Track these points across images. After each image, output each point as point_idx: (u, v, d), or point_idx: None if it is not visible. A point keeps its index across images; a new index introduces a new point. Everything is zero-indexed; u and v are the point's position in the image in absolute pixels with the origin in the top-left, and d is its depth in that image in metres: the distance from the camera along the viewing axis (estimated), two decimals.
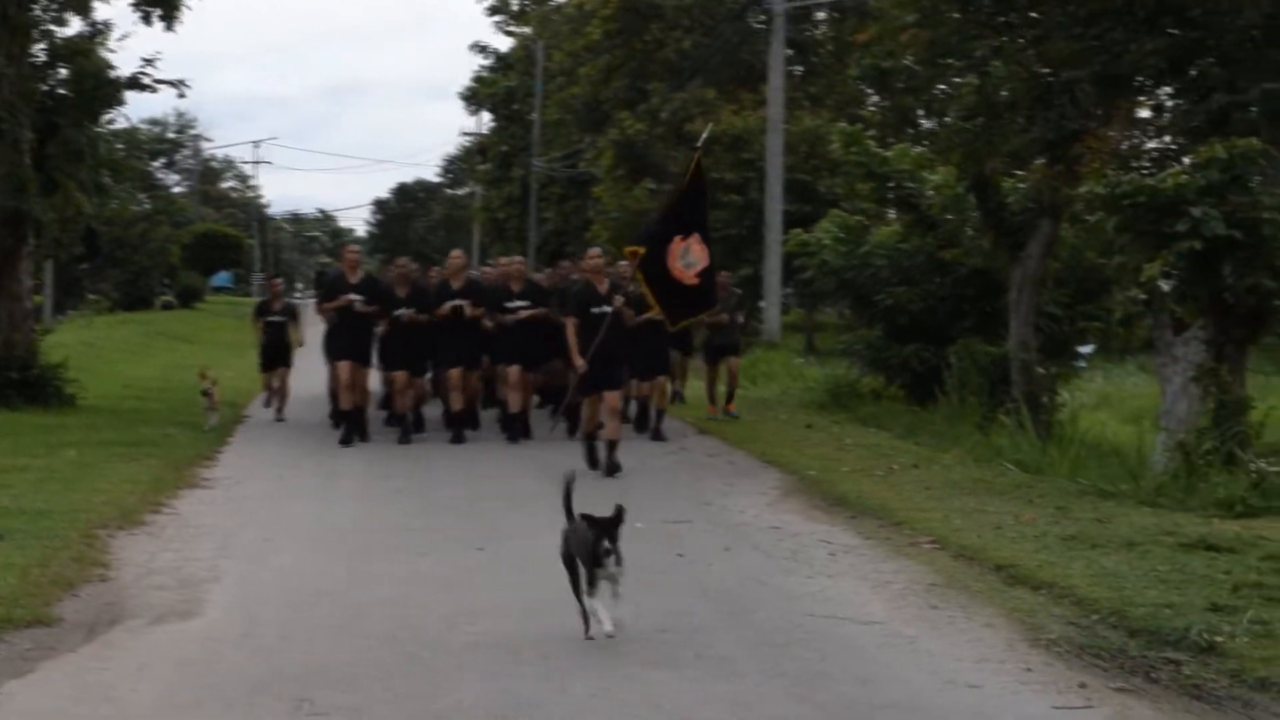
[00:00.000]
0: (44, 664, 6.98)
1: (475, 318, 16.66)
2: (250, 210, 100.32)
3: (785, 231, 27.27)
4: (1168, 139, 18.60)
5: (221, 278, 79.66)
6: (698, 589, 8.92)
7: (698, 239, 14.75)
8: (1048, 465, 14.39)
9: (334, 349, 17.02)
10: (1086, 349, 24.37)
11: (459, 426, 16.94)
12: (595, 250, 15.34)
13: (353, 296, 16.43)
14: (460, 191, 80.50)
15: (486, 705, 6.40)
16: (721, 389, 20.01)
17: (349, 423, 16.73)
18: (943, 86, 35.54)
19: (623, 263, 15.34)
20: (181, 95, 22.56)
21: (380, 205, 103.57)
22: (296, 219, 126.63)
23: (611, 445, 14.06)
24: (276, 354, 19.62)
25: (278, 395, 19.67)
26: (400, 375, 16.96)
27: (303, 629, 7.78)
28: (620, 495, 11.74)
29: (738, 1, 33.67)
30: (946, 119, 36.67)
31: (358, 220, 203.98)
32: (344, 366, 16.67)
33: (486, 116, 61.49)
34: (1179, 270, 13.35)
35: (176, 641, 7.54)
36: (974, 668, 7.13)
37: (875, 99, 36.97)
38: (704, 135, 17.27)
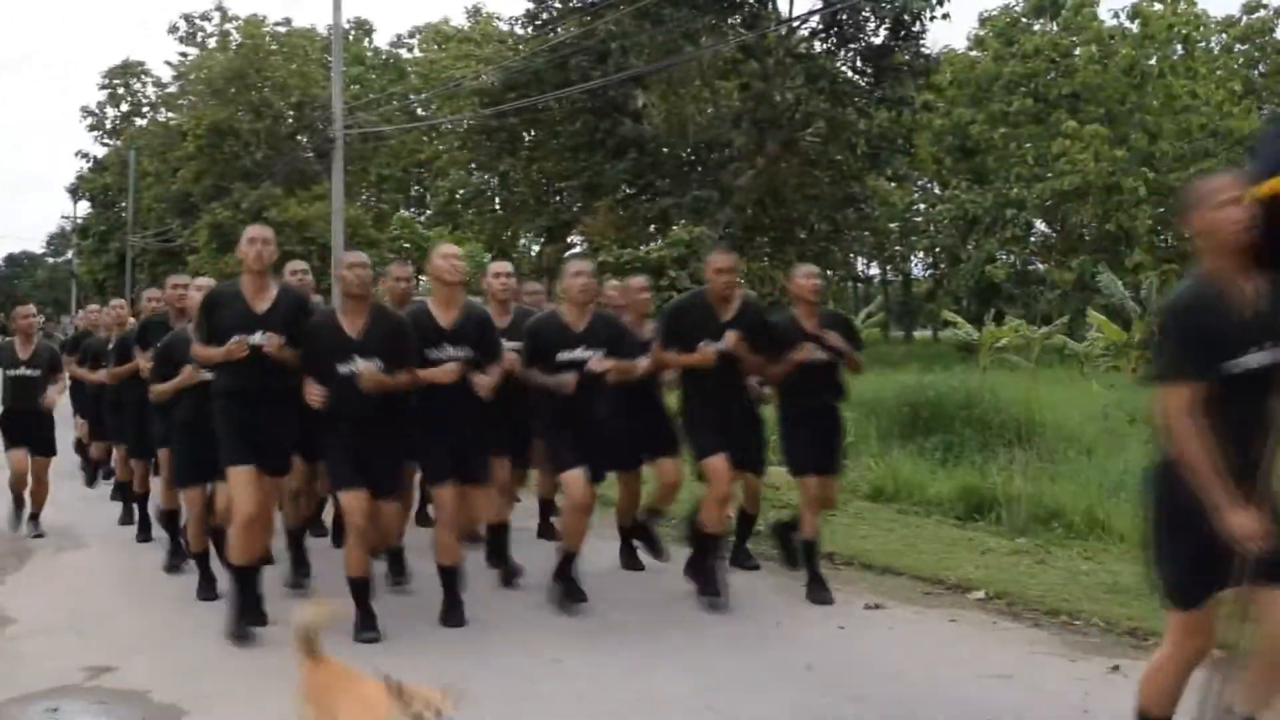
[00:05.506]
0: None
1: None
2: None
3: None
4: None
5: None
6: None
7: None
8: None
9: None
10: None
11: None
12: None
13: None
14: (60, 260, 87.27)
15: None
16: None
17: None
18: (418, 187, 45.05)
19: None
20: None
21: None
22: None
23: None
24: (27, 428, 11.50)
25: (33, 497, 11.68)
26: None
27: None
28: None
29: (300, 131, 45.22)
30: (426, 213, 45.69)
31: None
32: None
33: (85, 204, 70.00)
34: None
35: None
36: None
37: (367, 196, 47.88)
38: None
